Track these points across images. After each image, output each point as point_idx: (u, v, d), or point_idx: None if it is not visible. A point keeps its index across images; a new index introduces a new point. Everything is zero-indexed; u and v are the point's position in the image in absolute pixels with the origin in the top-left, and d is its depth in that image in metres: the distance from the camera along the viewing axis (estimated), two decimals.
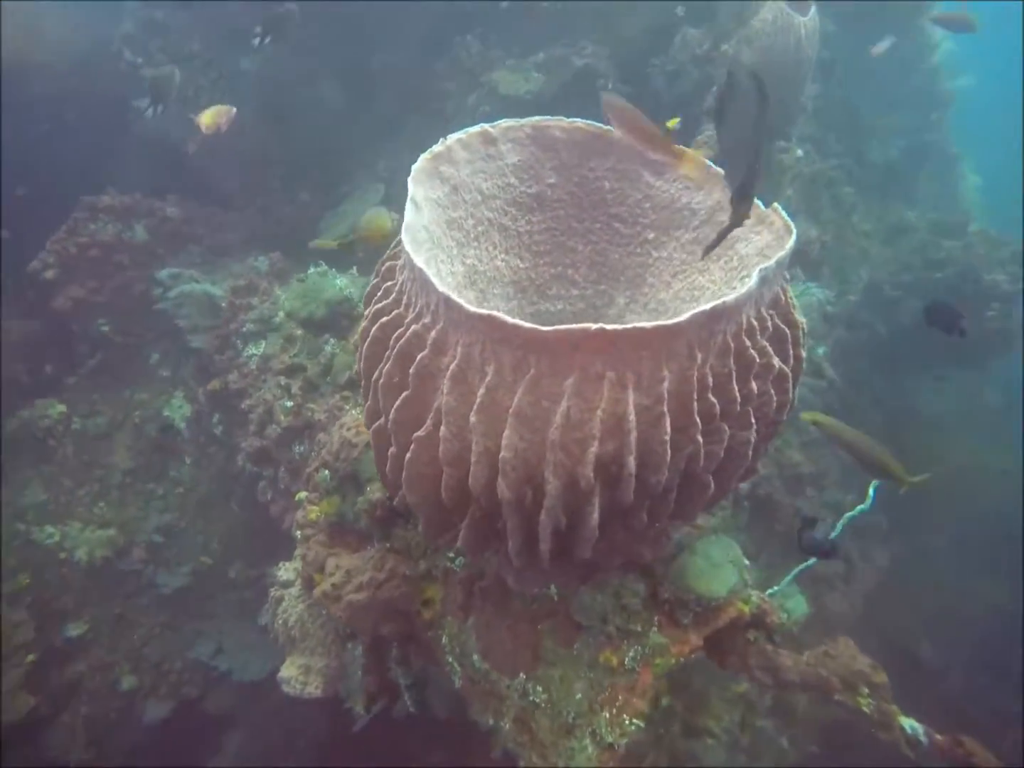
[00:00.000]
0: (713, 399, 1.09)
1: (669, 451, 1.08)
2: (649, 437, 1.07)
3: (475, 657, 1.62)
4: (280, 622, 2.33)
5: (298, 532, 2.10)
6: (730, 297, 1.02)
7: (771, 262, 1.11)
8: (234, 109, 2.50)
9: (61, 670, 3.99)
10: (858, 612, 4.10)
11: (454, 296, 1.08)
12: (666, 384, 1.05)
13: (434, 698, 2.23)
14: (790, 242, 1.15)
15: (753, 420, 1.15)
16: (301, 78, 3.90)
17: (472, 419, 1.10)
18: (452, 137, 1.46)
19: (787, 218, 1.25)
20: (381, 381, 1.22)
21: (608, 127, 1.55)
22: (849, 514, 1.52)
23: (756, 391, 1.14)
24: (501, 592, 1.58)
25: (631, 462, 1.06)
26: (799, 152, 3.33)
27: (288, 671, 2.32)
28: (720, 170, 1.46)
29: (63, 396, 3.85)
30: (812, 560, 1.45)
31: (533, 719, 1.46)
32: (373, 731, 2.38)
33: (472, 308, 1.05)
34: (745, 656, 1.69)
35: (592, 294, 1.69)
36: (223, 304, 3.11)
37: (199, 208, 3.79)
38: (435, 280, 1.11)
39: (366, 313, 1.34)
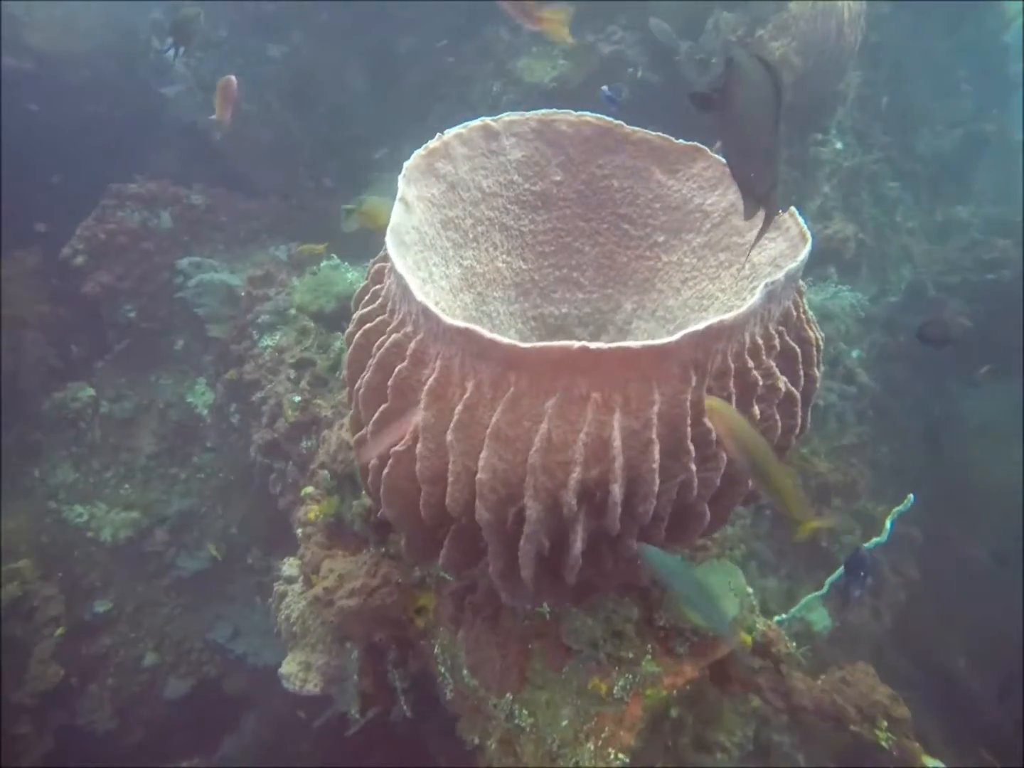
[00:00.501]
0: (710, 425, 1.00)
1: (658, 479, 1.00)
2: (637, 464, 0.99)
3: (464, 672, 1.57)
4: (282, 617, 2.32)
5: (299, 530, 2.09)
6: (728, 316, 0.93)
7: (779, 275, 1.01)
8: (232, 77, 2.42)
9: (89, 644, 4.12)
10: (887, 627, 3.93)
11: (432, 306, 1.02)
12: (656, 408, 0.96)
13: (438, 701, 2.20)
14: (803, 253, 1.05)
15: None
16: (327, 64, 3.86)
17: (449, 437, 1.03)
18: (450, 132, 1.39)
19: (804, 225, 1.15)
20: (361, 391, 1.17)
21: (618, 121, 1.46)
22: (867, 545, 1.41)
23: (759, 415, 1.04)
24: (492, 607, 1.52)
25: (616, 490, 0.99)
26: (838, 145, 3.14)
27: (288, 667, 2.32)
28: None
29: (92, 380, 3.94)
30: (836, 575, 1.35)
31: (518, 742, 1.41)
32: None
33: (449, 320, 0.99)
34: (749, 685, 1.60)
35: (598, 298, 1.60)
36: (241, 294, 3.11)
37: (224, 195, 3.81)
38: (414, 288, 1.05)
39: (353, 317, 1.28)
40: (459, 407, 1.03)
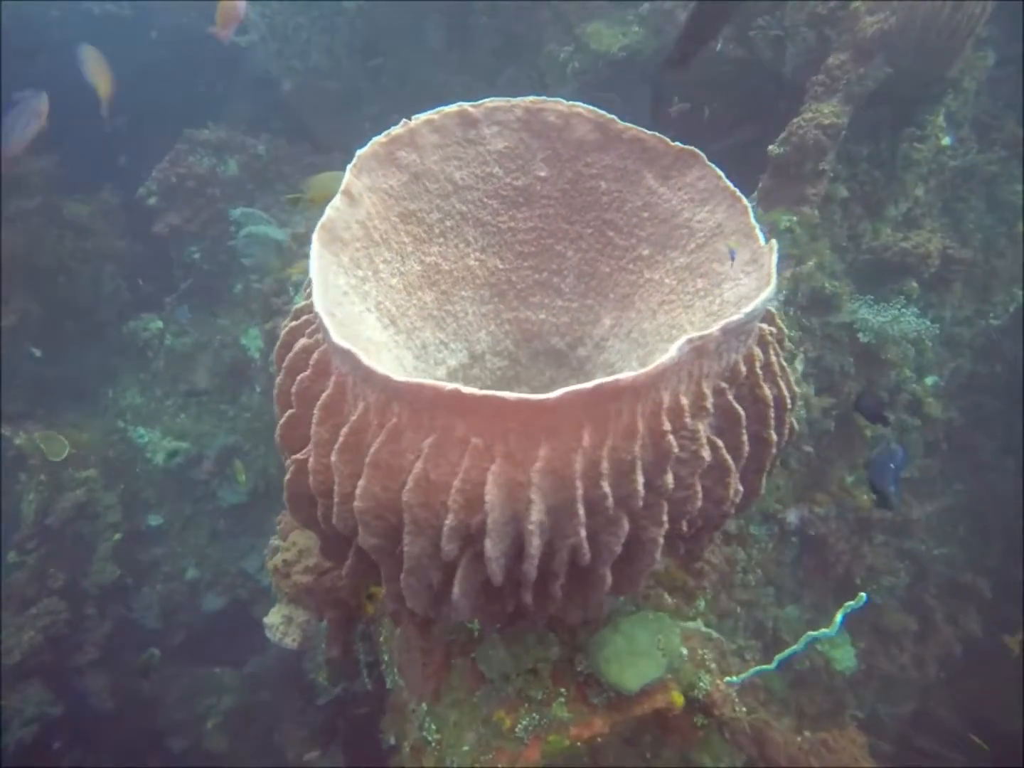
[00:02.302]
0: (607, 489, 0.88)
1: (537, 539, 0.90)
2: (516, 518, 0.90)
3: (395, 669, 1.57)
4: (271, 568, 2.42)
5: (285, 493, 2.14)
6: (625, 376, 0.80)
7: (713, 329, 0.86)
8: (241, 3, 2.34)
9: (142, 551, 4.54)
10: (930, 679, 3.57)
11: (326, 318, 0.95)
12: (540, 464, 0.86)
13: None
14: (752, 304, 0.88)
15: (665, 518, 0.93)
16: (402, 19, 3.76)
17: (334, 458, 0.98)
18: (420, 117, 1.28)
19: (773, 266, 0.97)
20: (275, 392, 1.14)
21: (611, 116, 1.29)
22: (813, 634, 1.24)
23: (671, 484, 0.91)
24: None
25: (488, 545, 0.90)
26: (945, 140, 2.71)
27: (272, 618, 2.42)
28: (729, 184, 1.16)
29: (161, 313, 4.21)
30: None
31: (423, 754, 1.39)
32: None
33: (335, 338, 0.92)
34: (690, 740, 1.49)
35: (578, 308, 1.47)
36: (285, 248, 3.17)
37: (288, 147, 3.86)
38: (317, 295, 0.99)
39: (292, 308, 1.24)
40: (345, 429, 0.97)
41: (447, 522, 0.91)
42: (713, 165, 1.19)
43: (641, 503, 0.90)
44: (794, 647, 1.18)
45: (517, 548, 0.94)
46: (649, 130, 1.27)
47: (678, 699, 1.33)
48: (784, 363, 1.08)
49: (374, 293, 1.23)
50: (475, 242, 1.42)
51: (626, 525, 0.92)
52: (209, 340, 4.15)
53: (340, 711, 3.13)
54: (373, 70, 3.73)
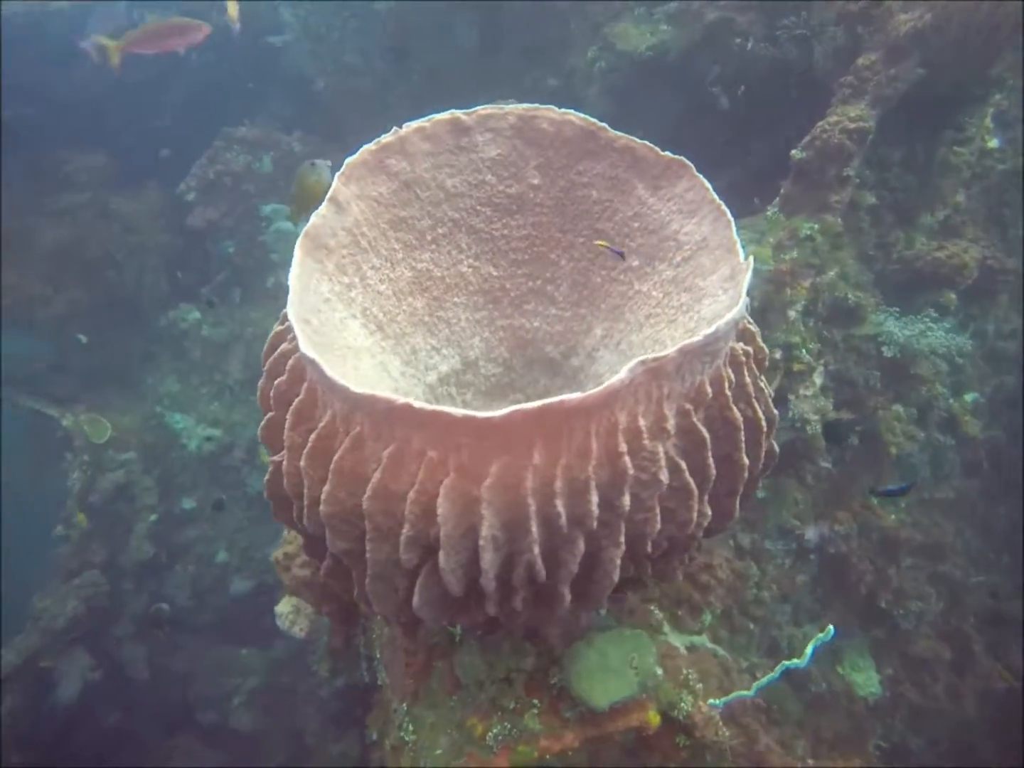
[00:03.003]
0: (560, 508, 0.88)
1: (490, 555, 0.90)
2: (472, 532, 0.90)
3: (383, 666, 1.59)
4: (274, 561, 2.49)
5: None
6: (573, 397, 0.79)
7: (669, 351, 0.84)
8: None
9: (176, 533, 4.74)
10: (968, 714, 3.38)
11: (297, 326, 0.97)
12: (490, 481, 0.86)
13: None
14: (714, 327, 0.86)
15: (622, 539, 0.92)
16: (435, 17, 3.79)
17: (303, 463, 1.00)
18: (411, 125, 1.29)
19: (743, 285, 0.94)
20: (258, 394, 1.17)
21: (602, 124, 1.28)
22: (786, 664, 1.20)
23: (628, 506, 0.90)
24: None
25: (442, 557, 0.91)
26: (993, 142, 2.57)
27: (283, 607, 2.50)
28: (715, 197, 1.13)
29: (198, 305, 4.37)
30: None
31: (401, 755, 1.41)
32: None
33: (304, 347, 0.94)
34: (669, 757, 1.47)
35: (571, 317, 1.46)
36: None
37: (321, 144, 3.94)
38: (292, 301, 1.01)
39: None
40: (313, 435, 0.99)
41: (404, 532, 0.92)
42: (701, 176, 1.16)
43: (596, 523, 0.89)
44: (770, 675, 1.14)
45: (476, 561, 0.94)
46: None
47: (654, 718, 1.31)
48: (762, 384, 1.05)
49: (360, 299, 1.25)
50: (468, 249, 1.43)
51: (582, 544, 0.91)
52: (242, 332, 4.29)
53: (359, 698, 3.20)
54: (404, 69, 3.77)
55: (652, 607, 1.64)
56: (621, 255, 1.10)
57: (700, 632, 2.20)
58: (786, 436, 2.39)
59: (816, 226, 2.14)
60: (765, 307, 2.17)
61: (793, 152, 2.19)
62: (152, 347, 4.65)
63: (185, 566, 4.79)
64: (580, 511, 0.89)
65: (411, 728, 1.40)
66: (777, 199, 2.30)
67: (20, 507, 5.65)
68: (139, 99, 3.62)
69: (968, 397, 3.00)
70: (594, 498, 0.87)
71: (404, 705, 1.45)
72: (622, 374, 0.81)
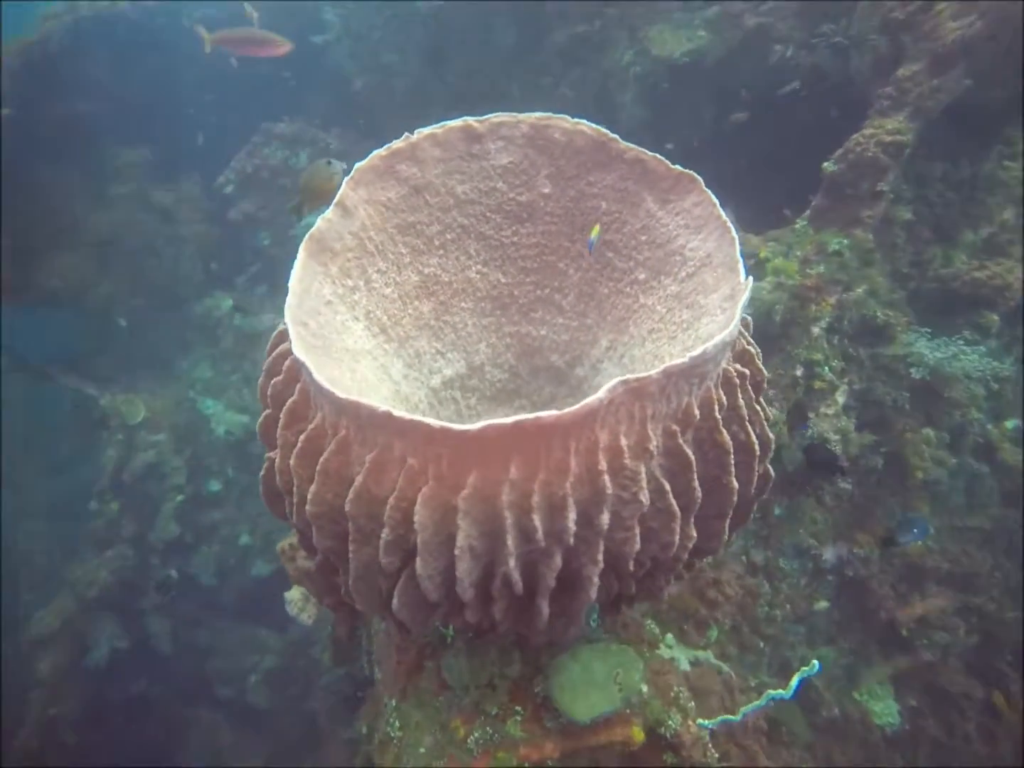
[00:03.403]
0: (537, 523, 0.87)
1: (467, 563, 0.90)
2: (446, 541, 0.91)
3: (377, 661, 1.62)
4: (280, 551, 2.54)
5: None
6: (548, 415, 0.79)
7: (651, 372, 0.83)
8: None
9: (203, 514, 4.88)
10: (1004, 759, 3.21)
11: (292, 328, 0.99)
12: (467, 492, 0.86)
13: None
14: (700, 349, 0.84)
15: (600, 556, 0.91)
16: (475, 17, 3.80)
17: (292, 462, 1.02)
18: (423, 131, 1.30)
19: (738, 308, 0.92)
20: (258, 391, 1.20)
21: (614, 135, 1.26)
22: (772, 693, 1.16)
23: (607, 525, 0.89)
24: None
25: (419, 564, 0.92)
26: None
27: (293, 593, 2.56)
28: (722, 214, 1.11)
29: (232, 294, 4.49)
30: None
31: (387, 750, 1.43)
32: None
33: (295, 348, 0.96)
34: None
35: (577, 327, 1.45)
36: None
37: (358, 141, 4.00)
38: (292, 303, 1.03)
39: None
40: (303, 436, 1.01)
41: (384, 536, 0.93)
42: (709, 191, 1.14)
43: (573, 539, 0.88)
44: (756, 703, 1.12)
45: (454, 569, 0.95)
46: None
47: (638, 735, 1.30)
48: (759, 407, 1.02)
49: (364, 302, 1.27)
50: (477, 255, 1.43)
51: (559, 559, 0.91)
52: (274, 322, 4.38)
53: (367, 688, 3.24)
54: (442, 69, 3.80)
55: (649, 621, 1.62)
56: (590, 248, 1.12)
57: (705, 647, 2.17)
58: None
59: (845, 241, 2.08)
60: (788, 322, 2.12)
61: (825, 164, 2.12)
62: (187, 334, 4.80)
63: (210, 546, 4.93)
64: (557, 526, 0.88)
65: (398, 725, 1.41)
66: (807, 212, 2.23)
67: (69, 478, 5.87)
68: (185, 96, 3.73)
69: (1009, 424, 2.87)
70: (571, 515, 0.87)
71: (393, 701, 1.47)
72: (600, 393, 0.80)
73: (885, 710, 2.97)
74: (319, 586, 1.87)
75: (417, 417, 0.81)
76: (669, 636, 2.01)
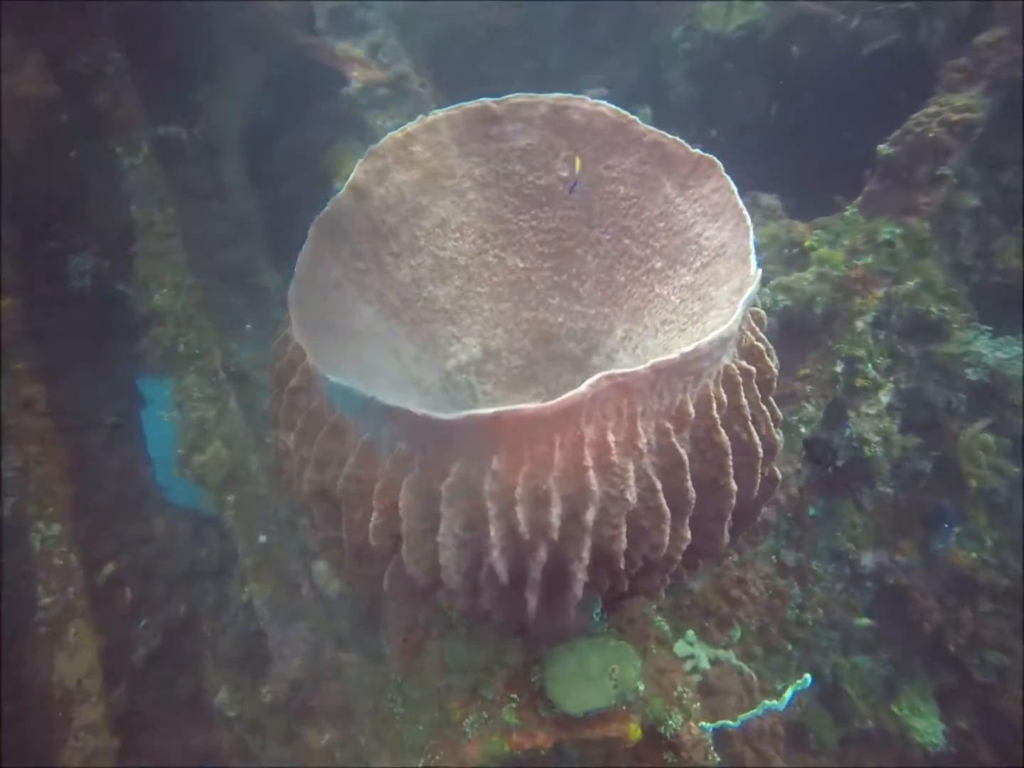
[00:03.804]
0: (520, 516, 0.86)
1: (450, 551, 0.90)
2: (431, 529, 0.91)
3: (386, 638, 1.66)
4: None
5: None
6: (529, 407, 0.77)
7: (639, 368, 0.80)
8: None
9: None
10: None
11: (293, 311, 1.01)
12: (450, 480, 0.86)
13: None
14: (693, 346, 0.80)
15: (586, 553, 0.89)
16: None
17: (291, 441, 1.05)
18: (439, 113, 1.29)
19: (740, 303, 0.87)
20: (268, 372, 1.22)
21: (633, 117, 1.21)
22: (767, 703, 1.11)
23: (591, 524, 0.87)
24: None
25: (405, 549, 0.92)
26: None
27: (321, 565, 2.65)
28: (739, 201, 1.05)
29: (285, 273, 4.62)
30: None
31: (389, 724, 1.46)
32: None
33: (295, 331, 0.97)
34: None
35: (594, 315, 1.42)
36: None
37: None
38: (296, 286, 1.05)
39: None
40: (303, 416, 1.03)
41: (373, 520, 0.95)
42: (728, 177, 1.08)
43: (557, 534, 0.87)
44: (753, 711, 1.08)
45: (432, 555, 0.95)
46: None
47: (635, 732, 1.28)
48: (765, 406, 0.97)
49: (376, 285, 1.28)
50: (494, 239, 1.41)
51: (543, 553, 0.90)
52: None
53: None
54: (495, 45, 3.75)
55: (659, 618, 1.59)
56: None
57: (727, 647, 2.11)
58: (844, 456, 2.22)
59: (898, 230, 1.94)
60: (830, 315, 2.01)
61: (880, 147, 1.98)
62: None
63: None
64: (541, 520, 0.87)
65: (400, 701, 1.44)
66: (859, 198, 2.10)
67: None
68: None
69: None
70: (556, 509, 0.85)
71: (398, 678, 1.50)
72: (583, 388, 0.78)
73: (929, 729, 2.82)
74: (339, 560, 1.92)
75: (401, 404, 0.81)
76: (690, 632, 1.97)
